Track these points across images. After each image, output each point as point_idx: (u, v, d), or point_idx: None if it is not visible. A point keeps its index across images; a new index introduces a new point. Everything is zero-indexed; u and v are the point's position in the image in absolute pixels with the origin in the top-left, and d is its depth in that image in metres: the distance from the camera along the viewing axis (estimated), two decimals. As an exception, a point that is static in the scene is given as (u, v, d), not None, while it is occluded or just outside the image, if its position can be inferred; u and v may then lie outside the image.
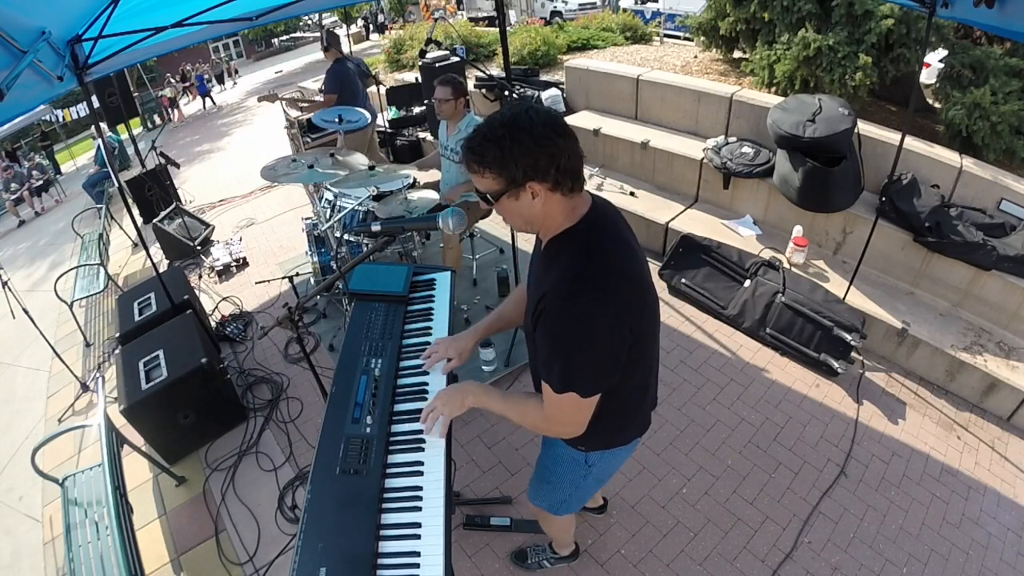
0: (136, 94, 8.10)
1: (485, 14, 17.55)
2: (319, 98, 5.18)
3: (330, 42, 4.93)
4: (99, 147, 7.89)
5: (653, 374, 1.43)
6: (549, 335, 1.15)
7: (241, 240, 5.24)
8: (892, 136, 3.57)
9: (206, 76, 16.50)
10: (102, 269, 4.31)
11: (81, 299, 4.21)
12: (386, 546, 1.18)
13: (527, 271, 1.58)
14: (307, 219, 3.97)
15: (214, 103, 15.45)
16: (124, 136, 8.02)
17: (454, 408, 1.36)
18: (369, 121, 4.27)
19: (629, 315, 1.16)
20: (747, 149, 4.06)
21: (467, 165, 1.14)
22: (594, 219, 1.20)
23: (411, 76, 7.63)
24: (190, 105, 17.05)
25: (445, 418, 1.35)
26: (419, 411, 1.42)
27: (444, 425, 1.36)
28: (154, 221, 5.08)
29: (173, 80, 18.20)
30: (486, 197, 1.16)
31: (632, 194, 4.52)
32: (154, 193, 5.61)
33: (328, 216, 3.44)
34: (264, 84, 17.69)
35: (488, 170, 1.10)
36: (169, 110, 14.19)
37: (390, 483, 1.30)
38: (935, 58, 4.29)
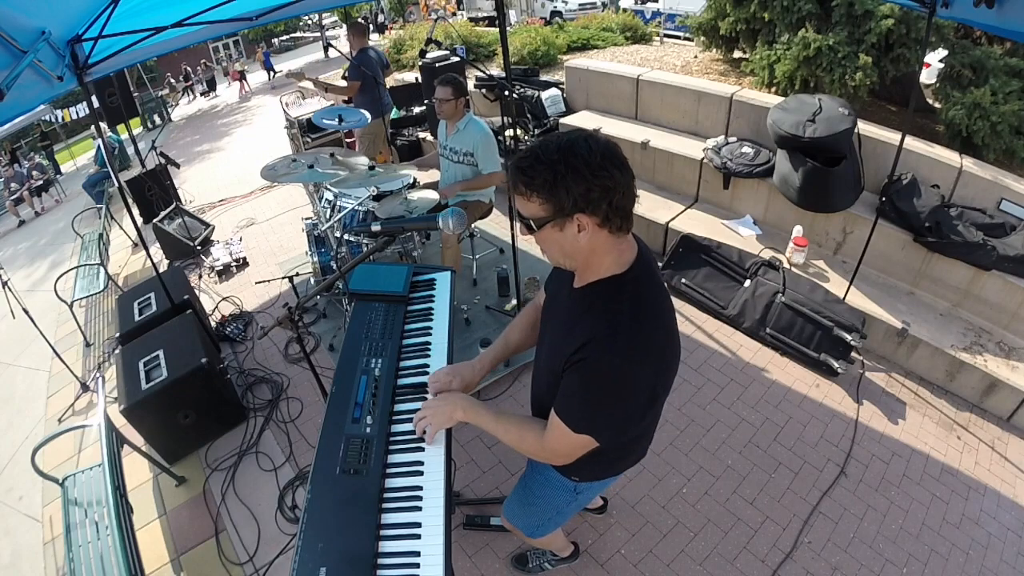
0: (136, 94, 8.08)
1: (485, 14, 17.57)
2: (342, 83, 5.25)
3: (357, 32, 5.02)
4: (99, 147, 7.89)
5: (659, 415, 1.41)
6: (584, 383, 1.10)
7: (241, 240, 5.24)
8: (892, 136, 3.57)
9: (270, 52, 19.20)
10: (102, 269, 4.31)
11: (81, 299, 4.21)
12: (386, 546, 1.18)
13: (528, 309, 1.55)
14: (307, 219, 3.96)
15: (274, 75, 17.62)
16: (124, 136, 8.02)
17: (442, 421, 1.33)
18: (369, 119, 4.28)
19: (664, 373, 1.15)
20: (747, 149, 4.06)
21: (513, 186, 1.06)
22: (641, 270, 1.14)
23: (411, 76, 7.63)
24: (191, 104, 17.07)
25: (433, 429, 1.32)
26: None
27: (431, 436, 1.33)
28: (154, 221, 5.07)
29: (174, 80, 18.24)
30: (529, 224, 1.09)
31: (632, 194, 4.52)
32: (154, 193, 5.61)
33: (328, 216, 3.44)
34: (263, 84, 17.72)
35: (536, 194, 1.03)
36: (240, 83, 16.63)
37: (390, 483, 1.29)
38: (935, 58, 4.29)
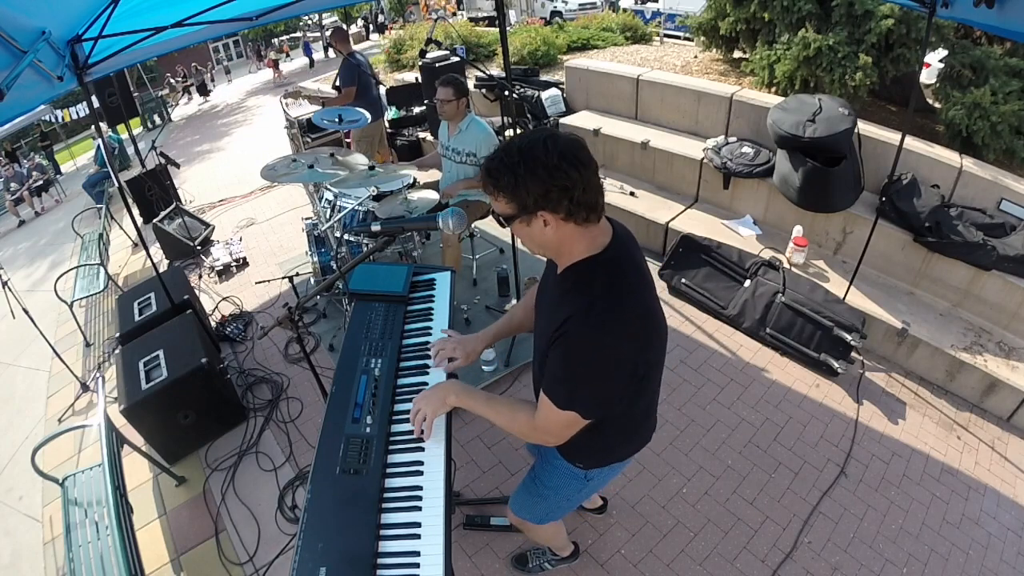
0: (136, 94, 8.09)
1: (485, 14, 17.58)
2: (332, 93, 5.23)
3: (341, 37, 4.98)
4: (99, 147, 7.89)
5: (656, 397, 1.45)
6: (566, 358, 1.15)
7: (241, 240, 5.24)
8: (892, 136, 3.57)
9: (310, 42, 21.04)
10: (102, 269, 4.31)
11: (81, 299, 4.21)
12: (386, 546, 1.18)
13: (533, 290, 1.57)
14: (307, 219, 3.96)
15: (312, 63, 18.94)
16: (124, 136, 8.02)
17: (436, 407, 1.35)
18: (370, 119, 4.28)
19: (645, 349, 1.19)
20: (747, 149, 4.06)
21: (483, 186, 1.15)
22: (617, 251, 1.20)
23: (411, 76, 7.64)
24: (189, 104, 17.07)
25: (429, 418, 1.34)
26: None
27: (429, 426, 1.34)
28: (154, 221, 5.08)
29: (173, 81, 18.24)
30: (499, 219, 1.18)
31: (632, 194, 4.52)
32: (154, 193, 5.61)
33: (328, 216, 3.44)
34: (263, 84, 17.73)
35: (501, 194, 1.11)
36: (275, 71, 17.99)
37: (390, 483, 1.30)
38: (935, 58, 4.29)
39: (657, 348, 1.24)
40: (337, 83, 5.07)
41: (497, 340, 1.63)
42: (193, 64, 18.97)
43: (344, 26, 18.00)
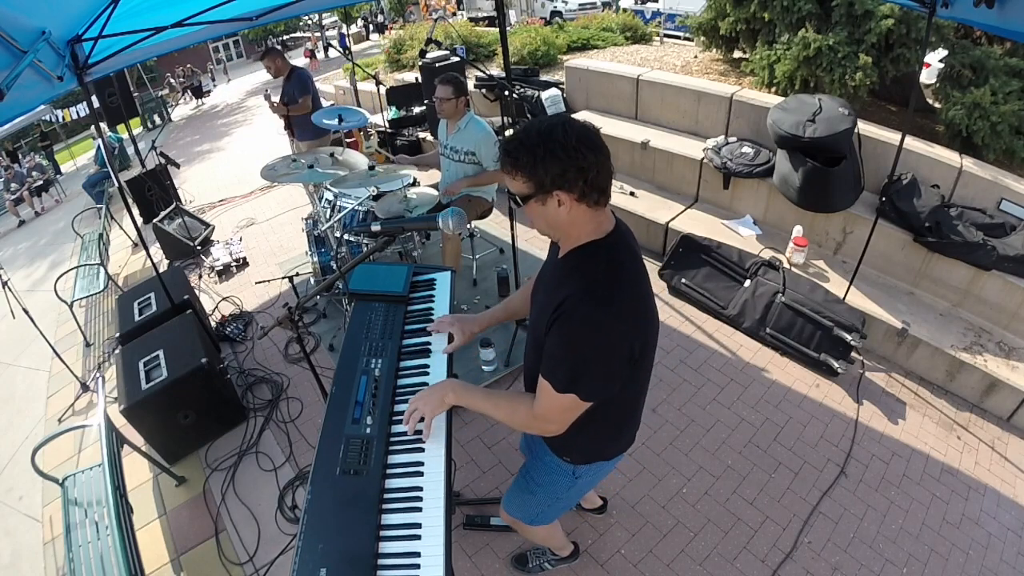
0: (136, 94, 8.09)
1: (485, 14, 17.58)
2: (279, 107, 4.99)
3: (279, 55, 4.77)
4: (99, 147, 7.90)
5: (644, 393, 1.47)
6: (564, 337, 1.18)
7: (241, 240, 5.24)
8: (892, 136, 3.57)
9: (345, 36, 21.46)
10: (102, 269, 4.31)
11: (81, 299, 4.21)
12: (386, 547, 1.18)
13: (532, 280, 1.62)
14: (307, 219, 3.96)
15: (350, 54, 19.53)
16: (124, 136, 8.02)
17: (435, 407, 1.36)
18: (368, 121, 4.28)
19: (640, 332, 1.21)
20: (747, 149, 4.06)
21: (502, 166, 1.19)
22: (618, 238, 1.25)
23: (411, 76, 7.64)
24: (188, 105, 17.06)
25: (428, 418, 1.35)
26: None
27: (428, 426, 1.35)
28: (154, 221, 5.08)
29: (173, 81, 18.22)
30: (515, 198, 1.22)
31: (632, 194, 4.52)
32: (154, 193, 5.61)
33: (328, 216, 3.44)
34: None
35: (520, 173, 1.15)
36: (311, 60, 18.37)
37: (390, 483, 1.30)
38: (935, 58, 4.29)
39: (650, 333, 1.27)
40: (286, 100, 4.88)
41: (493, 324, 1.69)
42: (187, 66, 18.87)
43: (342, 27, 17.98)
